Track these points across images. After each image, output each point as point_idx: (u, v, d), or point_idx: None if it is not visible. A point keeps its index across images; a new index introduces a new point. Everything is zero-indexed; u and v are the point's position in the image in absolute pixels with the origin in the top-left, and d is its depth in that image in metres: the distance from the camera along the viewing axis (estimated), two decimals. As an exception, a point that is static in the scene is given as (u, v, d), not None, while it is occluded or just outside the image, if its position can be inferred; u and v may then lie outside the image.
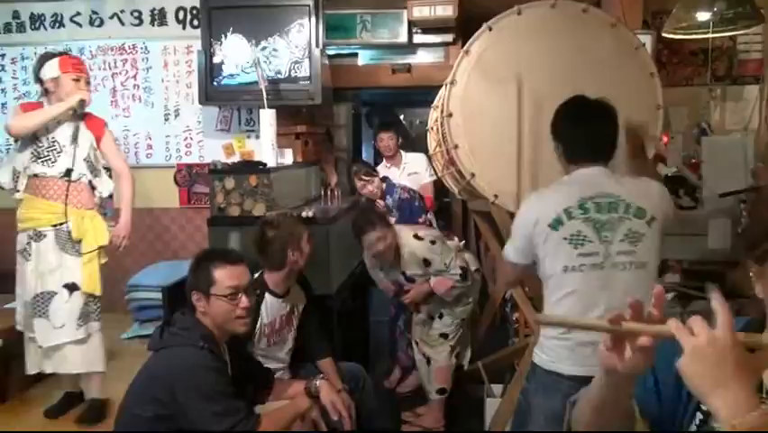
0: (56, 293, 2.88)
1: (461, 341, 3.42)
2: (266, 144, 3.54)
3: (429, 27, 4.44)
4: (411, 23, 4.40)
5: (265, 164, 3.40)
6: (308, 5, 3.89)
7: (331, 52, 4.41)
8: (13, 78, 4.68)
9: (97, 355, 2.97)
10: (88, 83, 3.02)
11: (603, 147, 2.04)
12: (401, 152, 4.35)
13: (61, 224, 2.90)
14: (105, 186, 3.07)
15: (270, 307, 2.59)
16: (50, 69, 2.93)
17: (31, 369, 3.00)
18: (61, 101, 2.91)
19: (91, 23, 4.54)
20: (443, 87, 2.88)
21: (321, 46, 3.93)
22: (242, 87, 3.98)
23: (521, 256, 2.07)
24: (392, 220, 3.61)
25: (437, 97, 3.42)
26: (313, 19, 3.91)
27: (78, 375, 3.02)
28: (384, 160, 4.47)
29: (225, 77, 4.03)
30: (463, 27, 4.29)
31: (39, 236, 2.90)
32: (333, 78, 4.26)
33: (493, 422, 2.81)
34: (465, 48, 2.66)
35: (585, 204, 1.95)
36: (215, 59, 4.03)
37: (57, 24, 4.57)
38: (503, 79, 2.59)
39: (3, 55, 4.67)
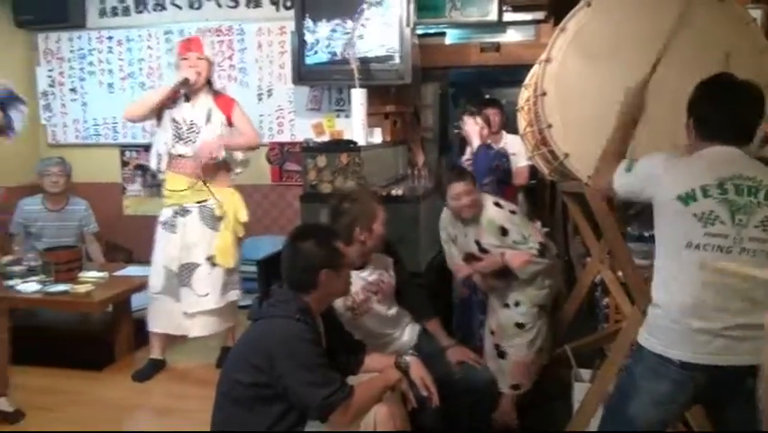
0: (199, 265, 3.15)
1: (542, 334, 3.15)
2: (356, 123, 3.60)
3: (520, 5, 4.35)
4: (501, 1, 4.32)
5: (356, 143, 3.46)
6: (398, -16, 3.90)
7: (419, 32, 4.40)
8: (119, 59, 4.95)
9: (231, 314, 3.31)
10: (202, 59, 3.18)
11: (745, 130, 1.96)
12: (503, 131, 4.29)
13: (205, 201, 3.14)
14: (238, 164, 3.29)
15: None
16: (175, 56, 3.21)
17: (167, 329, 3.28)
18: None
19: (191, 5, 4.73)
20: (537, 64, 2.82)
21: (411, 25, 3.94)
22: (333, 67, 4.03)
23: (626, 188, 2.09)
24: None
25: (529, 76, 3.36)
26: (404, -2, 3.92)
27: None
28: None
29: (317, 57, 4.10)
30: (556, 4, 4.18)
31: (184, 212, 3.15)
32: (420, 57, 4.26)
33: (582, 406, 2.77)
34: (561, 24, 2.59)
35: (725, 184, 1.87)
36: (308, 40, 4.10)
37: (159, 8, 4.79)
38: (601, 57, 2.51)
39: (110, 38, 4.94)
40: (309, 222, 3.08)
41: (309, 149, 3.43)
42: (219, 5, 4.68)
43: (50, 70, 5.11)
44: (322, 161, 3.35)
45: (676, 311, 1.88)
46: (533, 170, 3.98)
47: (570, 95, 2.55)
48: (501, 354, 3.11)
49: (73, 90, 5.09)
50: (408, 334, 2.80)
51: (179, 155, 3.16)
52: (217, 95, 3.26)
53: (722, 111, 1.96)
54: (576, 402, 2.88)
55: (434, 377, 2.28)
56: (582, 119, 2.53)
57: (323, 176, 3.35)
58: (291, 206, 4.62)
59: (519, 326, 3.08)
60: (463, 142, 3.93)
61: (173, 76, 3.34)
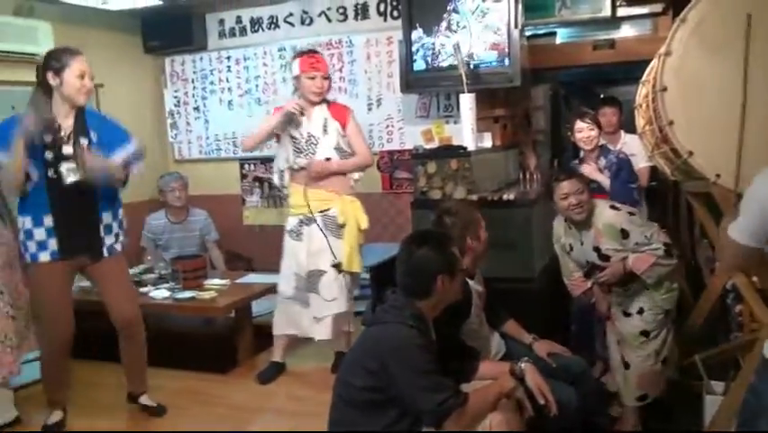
0: (325, 272, 3.24)
1: (667, 342, 2.97)
2: (466, 128, 3.58)
3: (635, -2, 4.17)
4: (615, -4, 4.16)
5: (465, 148, 3.44)
6: (506, -15, 3.84)
7: (528, 33, 4.32)
8: (237, 77, 5.22)
9: (349, 318, 3.38)
10: (326, 78, 3.28)
11: None
12: (621, 131, 4.12)
13: (327, 209, 3.24)
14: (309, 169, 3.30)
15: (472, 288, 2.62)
16: (294, 69, 3.28)
17: (292, 330, 3.40)
18: (304, 98, 3.26)
19: (302, 22, 4.90)
20: (656, 59, 2.69)
21: (519, 27, 3.87)
22: (441, 74, 4.02)
23: (750, 237, 1.80)
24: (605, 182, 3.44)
25: (647, 71, 3.21)
26: (511, 0, 3.86)
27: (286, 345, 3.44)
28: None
29: (425, 64, 4.12)
30: (674, -5, 3.97)
31: (309, 221, 3.25)
32: (530, 58, 4.18)
33: (714, 421, 2.60)
34: (681, 16, 2.47)
35: None
36: (415, 48, 4.13)
37: (273, 26, 5.00)
38: (725, 48, 2.37)
39: (228, 57, 5.22)
40: (421, 228, 3.09)
41: (419, 156, 3.46)
42: (329, 20, 4.82)
43: (175, 91, 5.47)
44: (432, 167, 3.36)
45: None
46: (653, 171, 3.79)
47: (692, 89, 2.42)
48: (626, 365, 2.97)
49: (196, 109, 5.42)
50: (497, 338, 2.78)
51: (301, 168, 3.26)
52: (330, 103, 3.35)
53: None
54: (708, 416, 2.70)
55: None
56: (707, 114, 2.40)
57: (433, 182, 3.36)
58: (402, 213, 4.66)
59: (645, 333, 2.92)
60: (576, 145, 3.80)
61: (287, 91, 3.46)
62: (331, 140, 3.27)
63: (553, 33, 4.53)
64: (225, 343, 3.73)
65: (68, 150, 2.72)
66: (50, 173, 2.72)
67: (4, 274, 2.86)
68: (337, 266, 3.24)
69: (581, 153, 3.73)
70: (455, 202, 2.96)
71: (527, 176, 3.99)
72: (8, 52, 4.12)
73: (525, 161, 4.42)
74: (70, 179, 2.72)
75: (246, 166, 5.32)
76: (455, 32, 3.98)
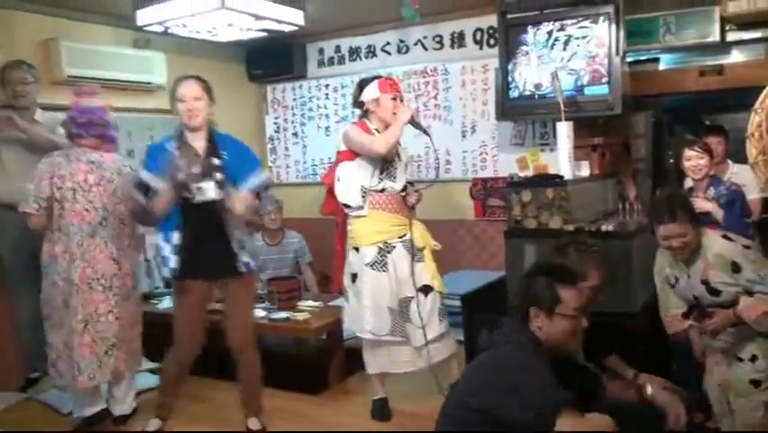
0: (412, 297, 3.16)
1: None
2: (562, 157, 3.52)
3: (747, 22, 3.97)
4: (724, 20, 3.98)
5: (562, 177, 3.38)
6: (608, 12, 3.77)
7: (629, 59, 4.21)
8: (334, 104, 5.38)
9: (451, 341, 3.28)
10: (402, 100, 3.27)
11: None
12: (728, 160, 3.92)
13: (404, 235, 3.21)
14: (411, 196, 3.26)
15: None
16: (371, 92, 3.20)
17: (388, 368, 3.25)
18: (381, 120, 3.16)
19: (398, 50, 5.00)
20: (772, 86, 2.56)
21: (621, 54, 3.78)
22: (538, 101, 4.00)
23: None
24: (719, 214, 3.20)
25: (760, 99, 3.06)
26: (613, 26, 3.79)
27: (385, 377, 3.31)
28: None
29: (521, 92, 4.09)
30: (789, 18, 3.76)
31: (390, 249, 3.18)
32: (631, 85, 4.06)
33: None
34: (801, 41, 2.33)
35: None
36: (512, 76, 4.12)
37: (370, 55, 5.14)
38: None
39: (327, 85, 5.39)
40: (514, 256, 3.05)
41: (514, 184, 3.42)
42: (425, 48, 4.88)
43: (276, 118, 5.69)
44: (526, 195, 3.31)
45: None
46: (765, 203, 3.58)
47: (813, 118, 2.27)
48: (731, 411, 2.73)
49: (295, 134, 5.62)
50: None
51: (382, 190, 3.17)
52: None
53: None
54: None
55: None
56: (830, 144, 2.24)
57: (527, 211, 3.31)
58: (494, 240, 4.61)
59: (755, 383, 2.65)
60: (681, 174, 3.63)
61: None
62: (404, 165, 3.25)
63: (656, 59, 4.40)
64: (316, 364, 3.78)
65: (197, 170, 2.85)
66: (183, 192, 2.85)
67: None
68: (426, 289, 3.18)
69: (686, 182, 3.57)
70: (564, 242, 2.84)
71: (627, 206, 3.85)
72: (128, 81, 4.44)
73: (625, 191, 4.27)
74: (201, 197, 2.85)
75: (340, 190, 5.43)
76: (551, 59, 3.95)
